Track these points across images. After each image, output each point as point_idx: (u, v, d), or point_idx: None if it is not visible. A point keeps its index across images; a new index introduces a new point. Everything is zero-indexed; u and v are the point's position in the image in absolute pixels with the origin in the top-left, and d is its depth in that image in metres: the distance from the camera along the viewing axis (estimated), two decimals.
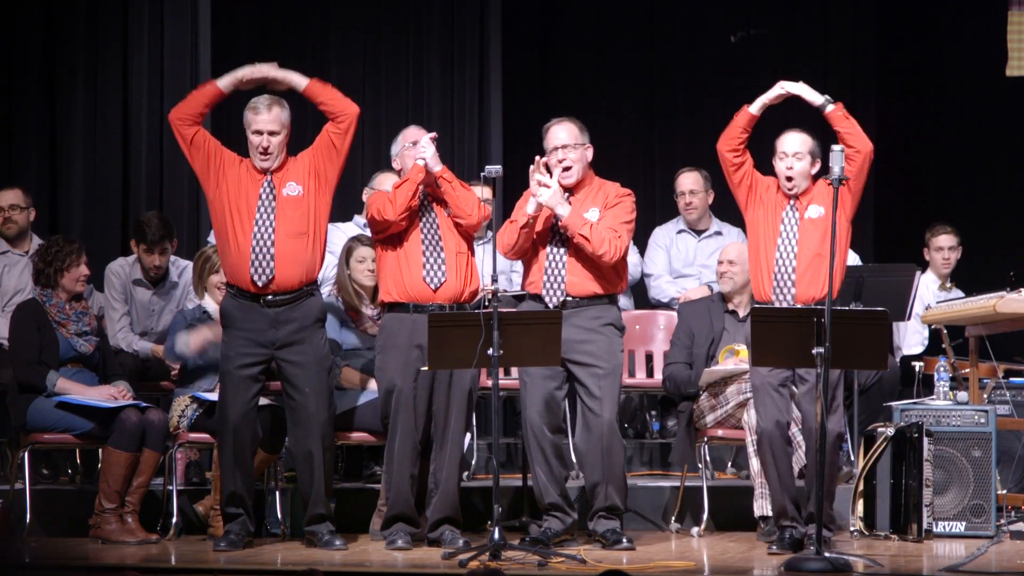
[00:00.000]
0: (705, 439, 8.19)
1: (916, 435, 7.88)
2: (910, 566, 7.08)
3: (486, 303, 7.42)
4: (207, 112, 7.67)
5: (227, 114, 8.44)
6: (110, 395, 7.94)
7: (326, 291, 8.27)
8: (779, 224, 7.47)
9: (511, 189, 9.18)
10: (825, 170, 7.31)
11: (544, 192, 7.53)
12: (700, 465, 8.24)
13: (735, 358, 8.11)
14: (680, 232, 9.74)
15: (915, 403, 8.16)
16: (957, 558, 7.13)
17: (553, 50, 11.56)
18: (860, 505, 8.00)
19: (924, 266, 9.67)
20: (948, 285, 9.71)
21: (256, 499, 7.87)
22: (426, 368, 7.46)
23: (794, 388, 7.50)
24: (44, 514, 8.01)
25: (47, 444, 8.06)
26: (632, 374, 9.13)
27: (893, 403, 8.21)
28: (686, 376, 8.21)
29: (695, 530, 8.15)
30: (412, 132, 7.84)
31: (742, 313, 8.28)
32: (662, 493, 8.51)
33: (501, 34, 10.83)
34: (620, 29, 11.47)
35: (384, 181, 8.38)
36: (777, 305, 7.37)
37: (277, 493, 8.13)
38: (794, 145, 7.49)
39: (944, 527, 7.95)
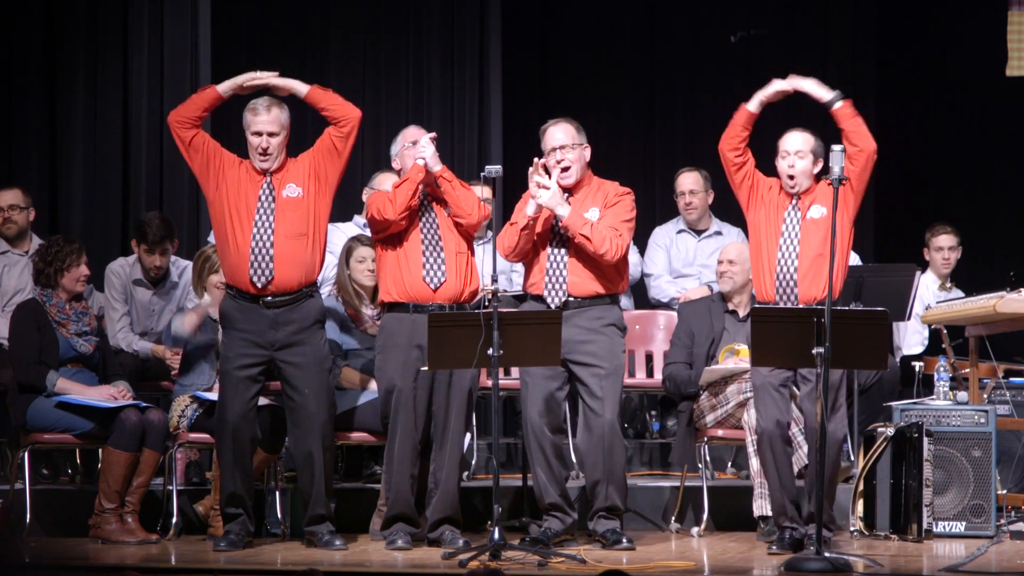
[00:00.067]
0: (705, 439, 8.19)
1: (916, 435, 7.88)
2: (910, 566, 7.08)
3: (486, 303, 7.42)
4: (206, 115, 7.68)
5: (227, 116, 8.44)
6: (110, 395, 7.94)
7: (326, 291, 8.27)
8: (781, 224, 7.47)
9: (511, 189, 9.19)
10: (827, 170, 7.31)
11: (543, 193, 7.53)
12: (700, 465, 8.24)
13: (735, 358, 8.12)
14: (680, 232, 9.74)
15: (915, 403, 8.16)
16: (957, 558, 7.13)
17: (553, 50, 11.56)
18: (860, 505, 8.00)
19: (924, 266, 9.67)
20: (948, 285, 9.71)
21: (256, 499, 7.87)
22: (426, 368, 7.46)
23: (795, 389, 7.49)
24: (44, 514, 8.01)
25: (47, 444, 8.06)
26: (632, 374, 9.12)
27: (893, 403, 8.21)
28: (686, 376, 8.21)
29: (695, 530, 8.15)
30: (412, 132, 7.84)
31: (742, 313, 8.28)
32: (662, 493, 8.51)
33: (501, 34, 10.83)
34: (620, 29, 11.47)
35: (384, 181, 8.38)
36: (780, 306, 7.37)
37: (277, 493, 8.13)
38: (796, 144, 7.49)
39: (944, 527, 7.95)
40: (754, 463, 7.79)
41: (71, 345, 8.03)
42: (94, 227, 10.00)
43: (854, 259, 8.69)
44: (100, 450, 8.06)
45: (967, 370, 8.47)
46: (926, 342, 9.35)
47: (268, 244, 7.52)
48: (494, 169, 7.49)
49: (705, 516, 8.16)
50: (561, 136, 7.65)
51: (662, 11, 11.45)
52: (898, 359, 9.25)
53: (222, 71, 7.77)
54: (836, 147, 7.16)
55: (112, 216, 10.05)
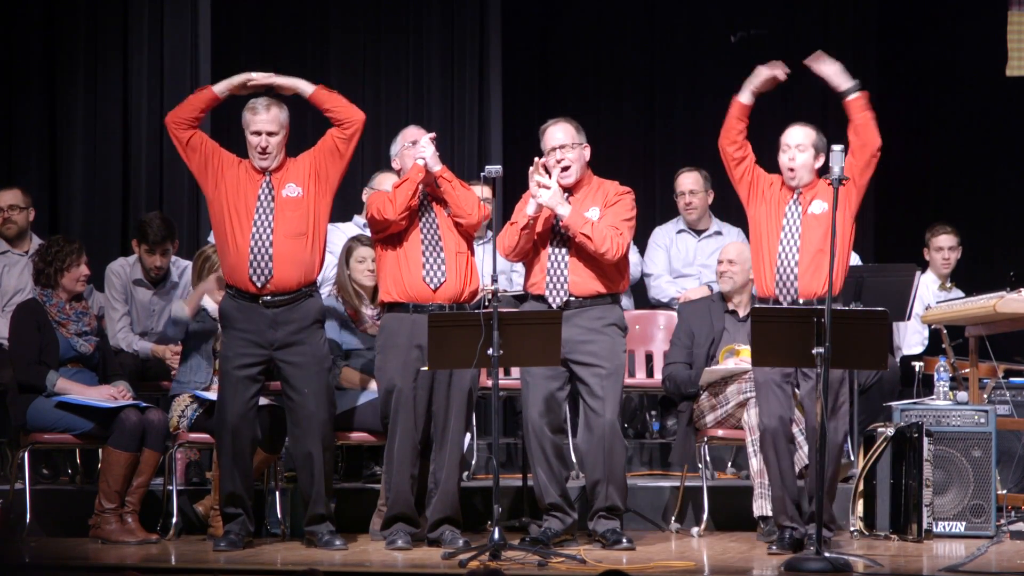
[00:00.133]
0: (705, 439, 8.19)
1: (916, 435, 7.88)
2: (910, 566, 7.08)
3: (486, 303, 7.42)
4: (203, 116, 7.68)
5: (227, 116, 8.44)
6: (110, 395, 7.94)
7: (326, 291, 8.27)
8: (782, 219, 7.46)
9: (511, 189, 9.19)
10: (828, 167, 7.31)
11: (544, 193, 7.53)
12: (700, 465, 8.24)
13: (735, 358, 8.11)
14: (680, 232, 9.74)
15: (915, 403, 8.16)
16: (957, 558, 7.13)
17: (553, 50, 11.56)
18: (860, 505, 8.00)
19: (924, 266, 9.67)
20: (948, 285, 9.71)
21: (256, 499, 7.87)
22: (426, 368, 7.46)
23: (796, 390, 7.49)
24: (44, 514, 8.01)
25: (47, 444, 8.06)
26: (632, 374, 9.12)
27: (893, 403, 8.21)
28: (686, 376, 8.21)
29: (695, 530, 8.15)
30: (412, 132, 7.84)
31: (742, 313, 8.28)
32: (662, 493, 8.51)
33: (501, 34, 10.83)
34: (620, 29, 11.47)
35: (384, 181, 8.39)
36: (780, 300, 7.38)
37: (277, 493, 8.13)
38: (797, 137, 7.49)
39: (944, 527, 7.95)
40: (754, 463, 7.79)
41: (71, 345, 8.03)
42: (94, 227, 10.00)
43: (854, 259, 8.70)
44: (100, 450, 8.06)
45: (967, 370, 8.47)
46: (926, 342, 9.35)
47: (267, 243, 7.52)
48: (494, 169, 7.49)
49: (705, 516, 8.16)
50: (561, 136, 7.65)
51: (662, 11, 11.45)
52: (898, 359, 9.24)
53: (222, 71, 7.77)
54: (836, 147, 7.17)
55: (112, 216, 10.05)
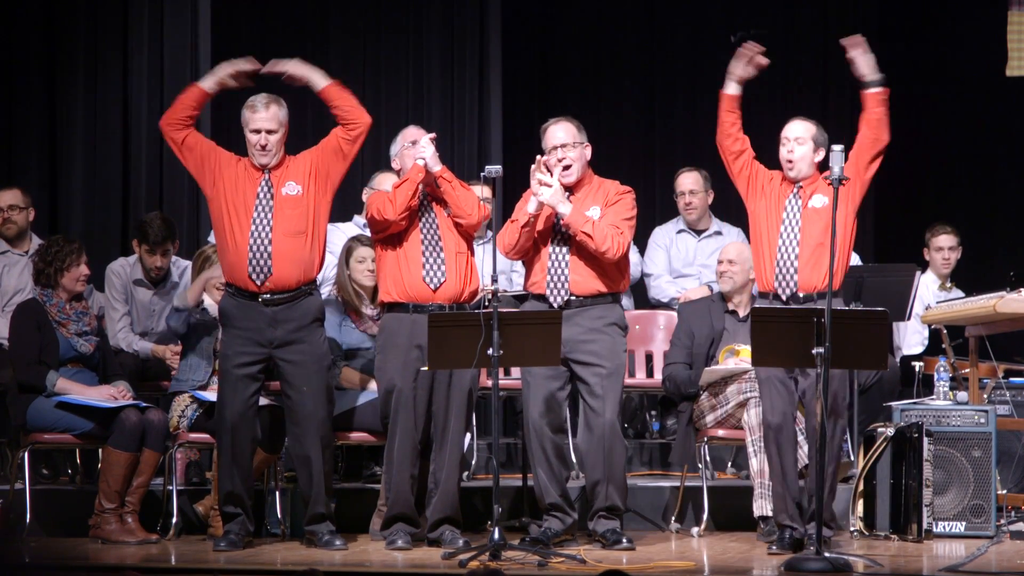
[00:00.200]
0: (705, 439, 8.19)
1: (916, 435, 7.88)
2: (910, 566, 7.08)
3: (486, 303, 7.42)
4: (196, 114, 7.67)
5: (227, 116, 8.44)
6: (110, 395, 7.94)
7: (326, 291, 8.27)
8: (782, 213, 7.47)
9: (511, 189, 9.18)
10: (827, 164, 7.31)
11: (545, 191, 7.53)
12: (700, 465, 8.24)
13: (735, 358, 8.11)
14: (680, 232, 9.74)
15: (915, 403, 8.16)
16: (957, 558, 7.12)
17: (553, 50, 11.55)
18: (860, 505, 8.00)
19: (924, 266, 9.67)
20: (948, 285, 9.71)
21: (256, 499, 7.87)
22: (426, 368, 7.46)
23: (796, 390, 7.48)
24: (44, 514, 8.01)
25: (47, 444, 8.06)
26: (632, 374, 9.12)
27: (893, 403, 8.21)
28: (686, 376, 8.21)
29: (695, 530, 8.15)
30: (411, 132, 7.84)
31: (742, 313, 8.28)
32: (662, 493, 8.51)
33: (501, 34, 10.83)
34: (620, 29, 11.47)
35: (384, 181, 8.39)
36: (780, 294, 7.38)
37: (277, 493, 8.13)
38: (796, 131, 7.50)
39: (944, 527, 7.95)
40: (754, 463, 7.79)
41: (71, 345, 8.02)
42: (94, 227, 10.00)
43: (854, 259, 8.70)
44: (100, 450, 8.06)
45: (967, 370, 8.47)
46: (926, 342, 9.35)
47: (266, 242, 7.52)
48: (494, 169, 7.49)
49: (705, 516, 8.16)
50: (562, 135, 7.65)
51: (662, 11, 11.45)
52: (898, 359, 9.24)
53: None
54: (836, 147, 7.17)
55: (112, 216, 10.05)
